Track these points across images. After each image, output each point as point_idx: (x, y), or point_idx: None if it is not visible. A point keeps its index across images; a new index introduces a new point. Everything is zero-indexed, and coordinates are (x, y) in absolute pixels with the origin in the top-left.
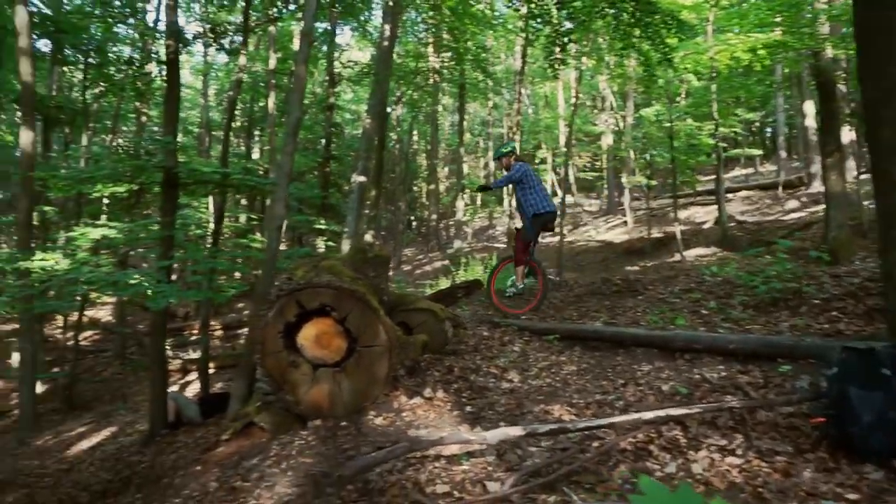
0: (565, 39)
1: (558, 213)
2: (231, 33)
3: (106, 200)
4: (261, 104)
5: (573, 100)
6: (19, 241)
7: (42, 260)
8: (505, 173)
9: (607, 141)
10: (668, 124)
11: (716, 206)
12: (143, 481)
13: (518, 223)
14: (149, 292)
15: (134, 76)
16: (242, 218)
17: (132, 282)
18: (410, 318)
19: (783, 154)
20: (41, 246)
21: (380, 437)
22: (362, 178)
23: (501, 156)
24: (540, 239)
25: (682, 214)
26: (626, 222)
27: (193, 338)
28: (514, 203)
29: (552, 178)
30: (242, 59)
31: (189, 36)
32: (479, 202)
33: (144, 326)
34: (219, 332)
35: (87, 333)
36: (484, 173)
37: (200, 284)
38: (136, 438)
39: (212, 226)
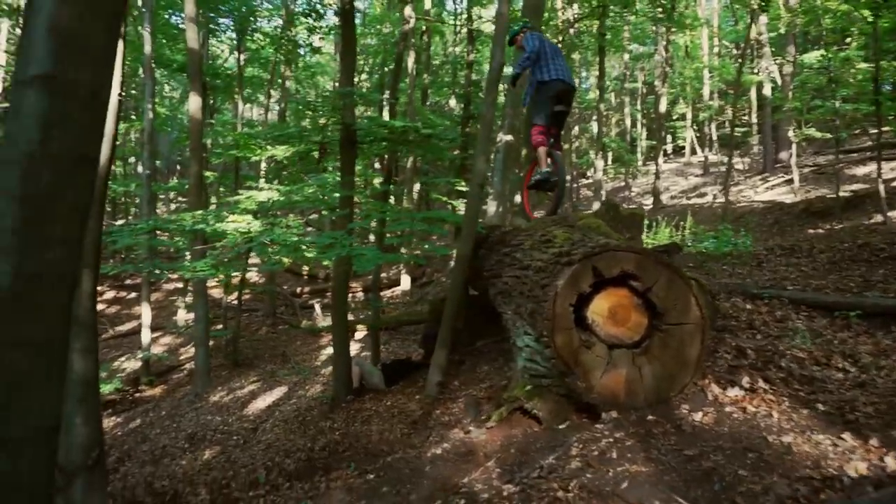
0: None
1: (575, 88)
2: None
3: (263, 165)
4: (389, 67)
5: (716, 48)
6: (190, 205)
7: (235, 222)
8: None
9: (765, 92)
10: (867, 65)
11: None
12: (352, 453)
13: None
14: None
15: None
16: (376, 181)
17: (326, 244)
18: None
19: None
20: (218, 210)
21: (723, 442)
22: (509, 137)
23: (514, 36)
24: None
25: (861, 171)
26: (790, 181)
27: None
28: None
29: (691, 136)
30: (408, 10)
31: None
32: (610, 161)
33: (288, 287)
34: (360, 294)
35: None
36: (617, 130)
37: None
38: (313, 402)
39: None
